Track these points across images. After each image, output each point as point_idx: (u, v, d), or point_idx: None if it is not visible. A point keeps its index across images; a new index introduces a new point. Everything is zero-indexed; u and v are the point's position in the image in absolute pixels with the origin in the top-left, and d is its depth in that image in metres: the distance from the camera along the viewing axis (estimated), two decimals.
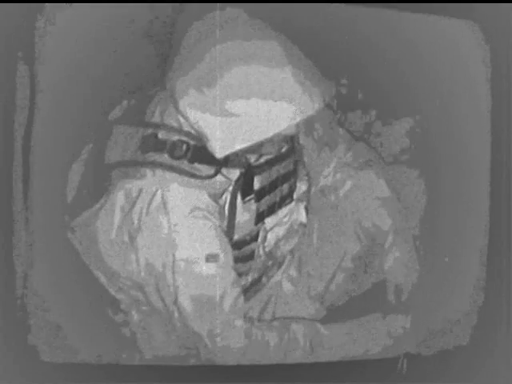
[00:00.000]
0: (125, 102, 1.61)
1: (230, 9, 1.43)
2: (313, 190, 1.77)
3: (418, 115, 1.97)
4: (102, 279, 1.60)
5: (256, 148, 1.46)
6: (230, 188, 1.52)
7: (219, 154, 1.39)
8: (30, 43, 1.53)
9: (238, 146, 1.39)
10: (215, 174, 1.48)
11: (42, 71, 1.55)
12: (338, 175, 1.81)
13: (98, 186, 1.56)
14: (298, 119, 1.38)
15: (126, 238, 1.49)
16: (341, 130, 1.86)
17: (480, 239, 1.75)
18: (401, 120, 1.97)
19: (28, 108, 1.54)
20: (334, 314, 1.82)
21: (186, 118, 1.41)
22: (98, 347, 1.63)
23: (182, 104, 1.40)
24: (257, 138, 1.39)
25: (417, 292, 1.75)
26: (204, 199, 1.49)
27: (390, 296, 1.76)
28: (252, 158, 1.54)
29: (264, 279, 1.78)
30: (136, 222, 1.47)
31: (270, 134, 1.38)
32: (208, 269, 1.48)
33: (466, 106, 1.82)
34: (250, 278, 1.69)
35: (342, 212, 1.82)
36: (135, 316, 1.64)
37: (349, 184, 1.80)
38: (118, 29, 1.60)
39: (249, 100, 1.36)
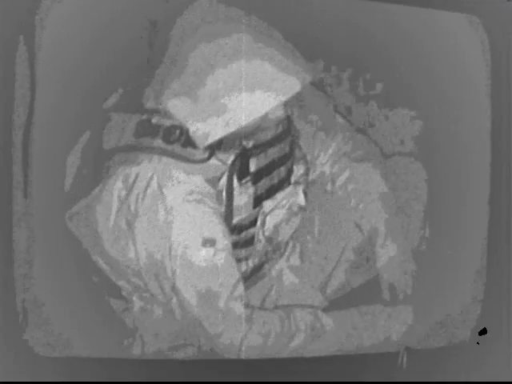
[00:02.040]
0: (120, 90, 1.62)
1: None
2: (311, 175, 1.77)
3: (419, 107, 1.98)
4: (104, 266, 1.59)
5: (250, 132, 1.49)
6: (227, 172, 1.53)
7: (202, 144, 1.45)
8: (31, 28, 1.54)
9: (220, 135, 1.43)
10: (209, 158, 1.49)
11: (42, 61, 1.56)
12: (337, 166, 1.81)
13: (96, 173, 1.57)
14: (282, 100, 1.43)
15: (124, 225, 1.50)
16: (340, 119, 1.86)
17: (481, 233, 1.74)
18: (401, 112, 1.97)
19: (29, 95, 1.55)
20: (335, 306, 1.81)
21: (168, 113, 1.46)
22: (97, 341, 1.62)
23: (171, 104, 1.46)
24: (238, 125, 1.42)
25: (419, 286, 1.75)
26: (200, 184, 1.49)
27: (384, 294, 1.76)
28: (245, 141, 1.54)
29: (266, 268, 1.77)
30: (133, 207, 1.47)
31: (250, 119, 1.43)
32: (205, 253, 1.47)
33: (466, 100, 1.82)
34: (250, 264, 1.68)
35: (340, 203, 1.81)
36: (136, 303, 1.63)
37: (346, 174, 1.80)
38: (120, 19, 1.61)
39: (231, 96, 1.41)
